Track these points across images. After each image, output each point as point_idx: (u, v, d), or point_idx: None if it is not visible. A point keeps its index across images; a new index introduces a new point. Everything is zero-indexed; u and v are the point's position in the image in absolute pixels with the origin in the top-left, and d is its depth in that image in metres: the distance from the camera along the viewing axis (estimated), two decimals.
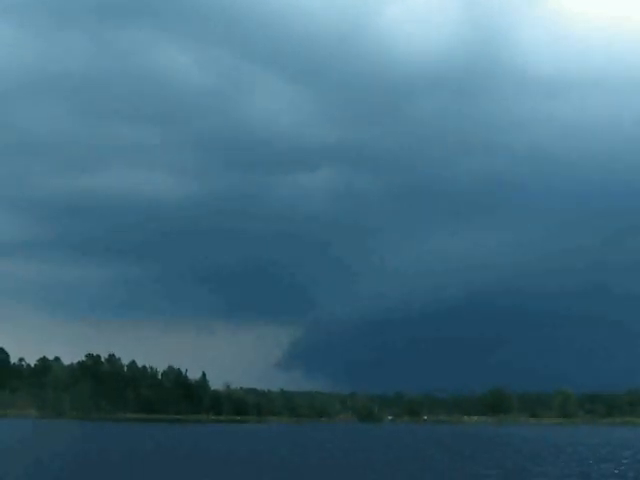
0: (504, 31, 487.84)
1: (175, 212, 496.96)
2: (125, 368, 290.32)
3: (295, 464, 72.37)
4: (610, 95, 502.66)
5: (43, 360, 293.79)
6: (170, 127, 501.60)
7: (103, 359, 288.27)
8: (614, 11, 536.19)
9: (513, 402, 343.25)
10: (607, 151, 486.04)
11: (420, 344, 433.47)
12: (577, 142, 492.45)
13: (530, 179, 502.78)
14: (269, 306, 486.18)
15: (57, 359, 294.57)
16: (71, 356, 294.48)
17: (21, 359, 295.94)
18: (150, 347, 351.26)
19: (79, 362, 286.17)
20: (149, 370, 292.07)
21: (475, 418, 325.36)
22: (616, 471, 67.66)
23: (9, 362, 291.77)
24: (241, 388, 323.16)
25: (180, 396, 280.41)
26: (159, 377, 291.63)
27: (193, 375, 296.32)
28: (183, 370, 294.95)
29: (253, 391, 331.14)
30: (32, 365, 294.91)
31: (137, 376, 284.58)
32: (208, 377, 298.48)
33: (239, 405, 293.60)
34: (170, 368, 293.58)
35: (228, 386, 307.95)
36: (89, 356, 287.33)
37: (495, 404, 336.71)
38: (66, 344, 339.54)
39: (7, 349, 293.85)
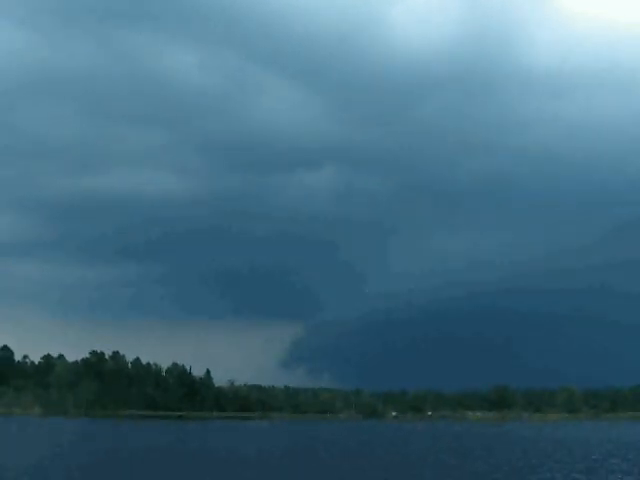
0: (508, 31, 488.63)
1: (180, 213, 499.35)
2: (129, 365, 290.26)
3: (299, 461, 72.27)
4: (615, 95, 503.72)
5: (47, 358, 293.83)
6: (175, 128, 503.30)
7: (107, 356, 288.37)
8: (613, 11, 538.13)
9: (517, 398, 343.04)
10: (612, 151, 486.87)
11: (424, 342, 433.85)
12: (582, 142, 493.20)
13: (534, 179, 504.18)
14: (274, 305, 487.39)
15: (61, 357, 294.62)
16: (75, 354, 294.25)
17: (25, 357, 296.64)
18: (154, 345, 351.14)
19: (83, 359, 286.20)
20: (153, 367, 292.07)
21: (479, 414, 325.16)
22: (623, 467, 67.43)
23: (13, 360, 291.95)
24: (245, 385, 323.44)
25: (184, 393, 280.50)
26: (163, 374, 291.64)
27: (197, 372, 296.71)
28: (187, 367, 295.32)
29: (257, 388, 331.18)
30: (36, 363, 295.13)
31: (141, 373, 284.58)
32: (212, 374, 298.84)
33: (243, 402, 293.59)
34: (174, 365, 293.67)
35: (232, 383, 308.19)
36: (93, 353, 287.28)
37: (499, 400, 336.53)
38: (70, 342, 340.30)
39: (11, 347, 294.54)
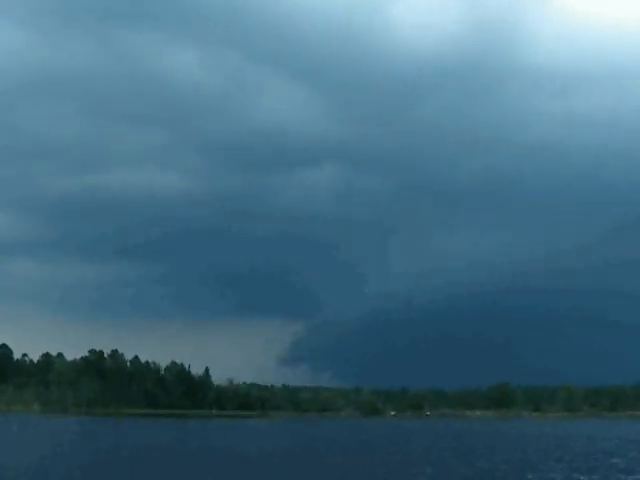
0: (508, 30, 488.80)
1: (180, 213, 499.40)
2: (128, 364, 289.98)
3: (299, 459, 72.08)
4: (618, 93, 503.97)
5: (46, 356, 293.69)
6: (175, 128, 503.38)
7: (106, 355, 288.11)
8: (616, 10, 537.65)
9: (517, 397, 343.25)
10: (614, 149, 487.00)
11: (424, 341, 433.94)
12: (584, 141, 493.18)
13: (535, 178, 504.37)
14: (274, 303, 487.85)
15: (60, 355, 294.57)
16: (74, 353, 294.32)
17: (24, 355, 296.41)
18: (153, 344, 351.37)
19: (82, 358, 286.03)
20: (152, 366, 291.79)
21: (479, 413, 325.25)
22: (624, 465, 67.22)
23: (13, 358, 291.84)
24: (244, 383, 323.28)
25: (183, 392, 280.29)
26: (162, 372, 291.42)
27: (196, 370, 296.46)
28: (186, 365, 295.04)
29: (257, 386, 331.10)
30: (35, 361, 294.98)
31: (140, 371, 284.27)
32: (211, 372, 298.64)
33: (242, 400, 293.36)
34: (173, 363, 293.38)
35: (231, 381, 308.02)
36: (92, 352, 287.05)
37: (499, 398, 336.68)
38: (69, 341, 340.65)
39: (10, 345, 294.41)
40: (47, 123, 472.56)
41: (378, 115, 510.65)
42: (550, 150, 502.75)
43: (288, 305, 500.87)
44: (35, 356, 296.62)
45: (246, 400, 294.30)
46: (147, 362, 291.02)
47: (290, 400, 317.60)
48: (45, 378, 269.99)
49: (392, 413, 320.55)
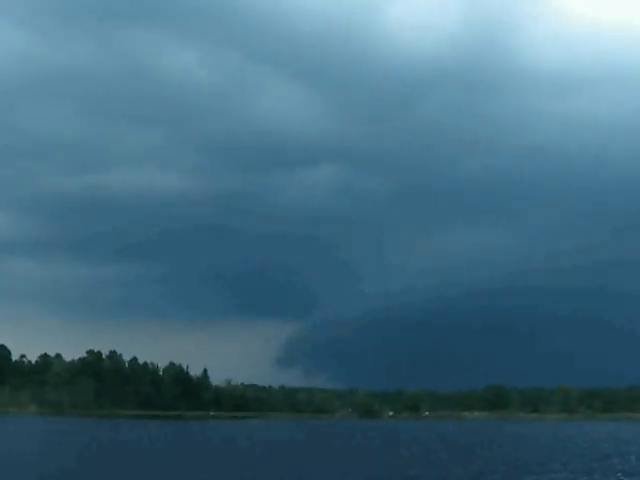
0: (508, 29, 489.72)
1: (179, 212, 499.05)
2: (126, 365, 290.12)
3: (298, 460, 72.41)
4: (617, 93, 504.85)
5: (44, 357, 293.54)
6: (175, 128, 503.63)
7: (104, 356, 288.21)
8: (615, 11, 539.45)
9: (513, 398, 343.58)
10: (612, 150, 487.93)
11: (420, 342, 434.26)
12: (583, 141, 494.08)
13: (535, 178, 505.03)
14: (271, 304, 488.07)
15: (58, 356, 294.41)
16: (72, 354, 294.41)
17: (22, 356, 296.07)
18: (151, 344, 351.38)
19: (80, 359, 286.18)
20: (150, 367, 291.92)
21: (476, 414, 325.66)
22: (622, 467, 67.60)
23: (10, 359, 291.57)
24: (242, 384, 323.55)
25: (181, 392, 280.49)
26: (160, 374, 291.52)
27: (194, 371, 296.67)
28: (184, 367, 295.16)
29: (254, 387, 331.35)
30: (33, 362, 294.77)
31: (138, 373, 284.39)
32: (209, 373, 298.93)
33: (240, 401, 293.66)
34: (171, 365, 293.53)
35: (229, 382, 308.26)
36: (90, 353, 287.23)
37: (496, 400, 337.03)
38: (67, 342, 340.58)
39: (8, 346, 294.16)
40: (47, 123, 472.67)
41: (377, 115, 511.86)
42: (549, 150, 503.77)
43: (285, 305, 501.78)
44: (33, 357, 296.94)
45: (243, 401, 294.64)
46: (145, 363, 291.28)
47: (287, 401, 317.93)
48: (42, 379, 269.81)
49: (389, 414, 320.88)
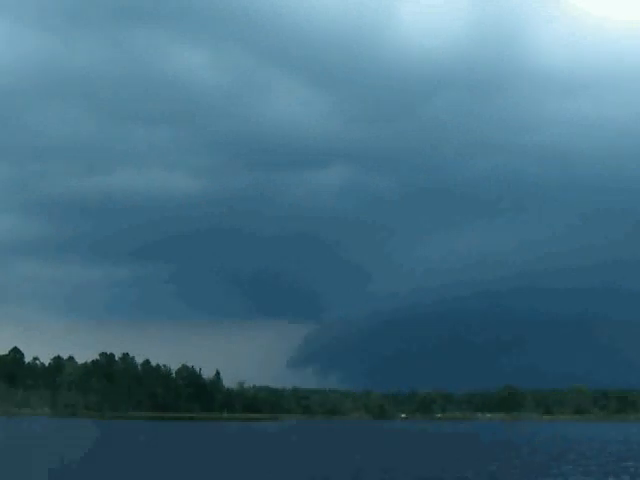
0: (517, 29, 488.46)
1: (190, 213, 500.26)
2: (139, 367, 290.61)
3: (309, 462, 72.27)
4: (626, 94, 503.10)
5: (57, 359, 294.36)
6: (185, 128, 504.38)
7: (117, 358, 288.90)
8: (626, 12, 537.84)
9: (526, 399, 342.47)
10: (623, 150, 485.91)
11: (433, 342, 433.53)
12: (592, 141, 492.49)
13: (544, 178, 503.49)
14: (283, 305, 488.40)
15: (71, 358, 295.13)
16: (85, 356, 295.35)
17: (35, 358, 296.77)
18: (164, 346, 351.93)
19: (93, 361, 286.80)
20: (163, 369, 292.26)
21: (489, 415, 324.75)
22: (635, 470, 67.13)
23: (23, 361, 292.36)
24: (254, 386, 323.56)
25: (193, 394, 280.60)
26: (173, 376, 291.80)
27: (207, 374, 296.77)
28: (197, 369, 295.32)
29: (266, 389, 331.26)
30: (46, 364, 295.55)
31: (151, 375, 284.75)
32: (222, 375, 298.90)
33: (252, 403, 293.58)
34: (184, 367, 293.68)
35: (242, 384, 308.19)
36: (103, 355, 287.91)
37: (508, 401, 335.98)
38: (79, 344, 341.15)
39: (21, 349, 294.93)
40: (57, 124, 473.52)
41: (386, 116, 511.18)
42: (558, 151, 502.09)
43: (297, 307, 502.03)
44: (46, 359, 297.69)
45: (256, 403, 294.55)
46: (158, 365, 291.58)
47: (299, 403, 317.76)
48: (55, 381, 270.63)
49: (402, 416, 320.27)
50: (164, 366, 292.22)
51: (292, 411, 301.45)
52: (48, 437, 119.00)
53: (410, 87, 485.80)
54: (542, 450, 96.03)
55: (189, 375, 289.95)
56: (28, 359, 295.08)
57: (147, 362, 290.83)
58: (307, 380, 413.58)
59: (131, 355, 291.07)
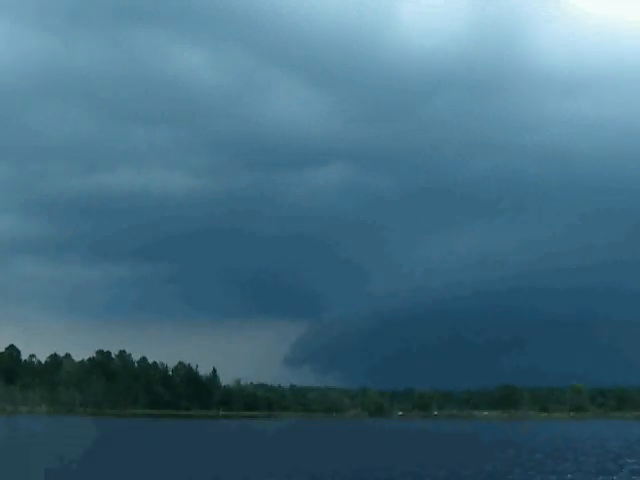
0: (517, 29, 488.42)
1: (188, 212, 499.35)
2: (136, 364, 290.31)
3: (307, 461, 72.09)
4: (627, 93, 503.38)
5: (54, 357, 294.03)
6: (185, 128, 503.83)
7: (114, 355, 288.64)
8: (627, 12, 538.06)
9: (524, 397, 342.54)
10: (623, 150, 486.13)
11: (430, 340, 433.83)
12: (592, 141, 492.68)
13: (544, 178, 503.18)
14: (280, 303, 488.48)
15: (68, 356, 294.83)
16: (82, 353, 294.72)
17: (32, 356, 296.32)
18: (160, 345, 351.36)
19: (90, 359, 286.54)
20: (160, 366, 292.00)
21: (486, 413, 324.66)
22: (634, 467, 67.05)
23: (20, 359, 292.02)
24: (251, 384, 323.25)
25: (191, 392, 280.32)
26: (170, 373, 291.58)
27: (204, 371, 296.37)
28: (194, 366, 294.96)
29: (263, 387, 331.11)
30: (43, 362, 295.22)
31: (148, 372, 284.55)
32: (219, 373, 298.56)
33: (250, 401, 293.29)
34: (181, 364, 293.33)
35: (239, 382, 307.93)
36: (100, 352, 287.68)
37: (506, 399, 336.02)
38: (78, 342, 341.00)
39: (18, 346, 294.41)
40: (58, 124, 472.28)
41: (385, 115, 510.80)
42: (558, 151, 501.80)
43: (295, 305, 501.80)
44: (43, 357, 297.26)
45: (253, 401, 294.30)
46: (155, 363, 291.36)
47: (297, 401, 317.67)
48: (53, 379, 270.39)
49: (399, 413, 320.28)
50: (161, 364, 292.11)
51: (290, 409, 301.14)
52: (47, 435, 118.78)
53: (410, 87, 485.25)
54: (541, 448, 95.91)
55: (186, 373, 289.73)
56: (25, 357, 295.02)
57: (144, 359, 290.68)
58: (305, 378, 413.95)
59: (128, 352, 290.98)
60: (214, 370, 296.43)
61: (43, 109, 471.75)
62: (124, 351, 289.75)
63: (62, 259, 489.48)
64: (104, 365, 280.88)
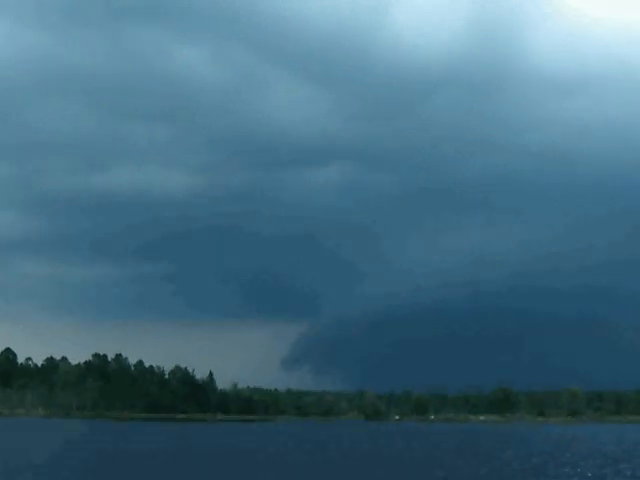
0: (516, 29, 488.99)
1: (185, 212, 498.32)
2: (132, 367, 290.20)
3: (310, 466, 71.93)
4: (625, 95, 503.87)
5: (50, 360, 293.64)
6: (185, 126, 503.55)
7: (110, 358, 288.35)
8: (625, 13, 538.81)
9: (520, 400, 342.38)
10: (622, 150, 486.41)
11: (427, 342, 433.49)
12: (590, 141, 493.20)
13: (542, 178, 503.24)
14: (276, 305, 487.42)
15: (64, 359, 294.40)
16: (78, 356, 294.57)
17: (28, 359, 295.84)
18: (157, 347, 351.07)
19: (86, 362, 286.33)
20: (156, 369, 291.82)
21: (482, 417, 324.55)
22: (631, 472, 66.89)
23: (16, 362, 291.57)
24: (248, 387, 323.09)
25: (187, 395, 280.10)
26: (166, 376, 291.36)
27: (200, 374, 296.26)
28: (190, 369, 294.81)
29: (260, 390, 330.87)
30: (39, 365, 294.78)
31: (144, 375, 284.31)
32: (215, 376, 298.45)
33: (246, 404, 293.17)
34: (177, 367, 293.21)
35: (235, 385, 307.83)
36: (96, 356, 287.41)
37: (503, 402, 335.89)
38: (74, 344, 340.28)
39: (14, 349, 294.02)
40: (56, 121, 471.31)
41: (384, 114, 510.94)
42: (556, 150, 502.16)
43: (292, 307, 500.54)
44: (39, 360, 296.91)
45: (250, 404, 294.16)
46: (151, 366, 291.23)
47: (293, 404, 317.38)
48: (49, 382, 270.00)
49: (396, 417, 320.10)
50: (157, 367, 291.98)
51: (286, 412, 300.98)
52: (42, 438, 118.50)
53: (408, 86, 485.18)
54: (538, 452, 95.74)
55: (183, 376, 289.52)
56: (21, 360, 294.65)
57: (140, 363, 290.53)
58: (301, 381, 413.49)
59: (124, 356, 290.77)
60: (210, 374, 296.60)
61: (43, 106, 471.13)
62: (120, 354, 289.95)
63: (58, 259, 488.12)
64: (100, 368, 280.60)
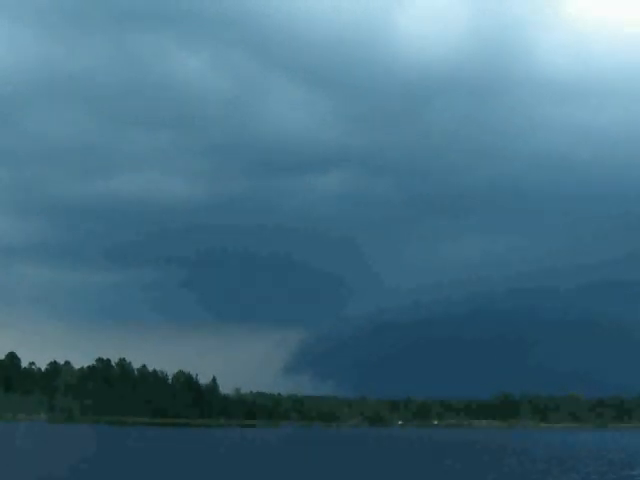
0: (517, 36, 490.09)
1: (186, 217, 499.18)
2: (135, 372, 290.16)
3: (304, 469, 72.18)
4: (626, 100, 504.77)
5: (54, 364, 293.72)
6: (187, 133, 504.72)
7: (113, 363, 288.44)
8: (623, 16, 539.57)
9: (523, 406, 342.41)
10: (621, 156, 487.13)
11: (429, 348, 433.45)
12: (591, 147, 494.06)
13: (543, 184, 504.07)
14: (279, 311, 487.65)
15: (67, 363, 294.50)
16: (82, 360, 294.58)
17: (32, 363, 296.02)
18: (161, 351, 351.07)
19: (89, 366, 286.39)
20: (160, 374, 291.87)
21: (485, 422, 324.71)
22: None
23: (20, 366, 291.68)
24: (251, 392, 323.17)
25: (190, 400, 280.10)
26: (169, 381, 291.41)
27: (203, 379, 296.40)
28: (193, 374, 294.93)
29: (263, 395, 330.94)
30: (42, 369, 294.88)
31: (147, 380, 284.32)
32: (218, 381, 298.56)
33: (249, 409, 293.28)
34: (180, 372, 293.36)
35: (238, 390, 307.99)
36: (99, 360, 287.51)
37: (505, 408, 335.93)
38: (78, 348, 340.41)
39: (18, 353, 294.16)
40: (58, 127, 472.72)
41: (386, 122, 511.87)
42: (558, 158, 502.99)
43: (293, 312, 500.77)
44: (42, 364, 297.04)
45: (252, 409, 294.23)
46: (155, 371, 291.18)
47: (296, 409, 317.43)
48: (52, 386, 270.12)
49: (399, 423, 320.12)
50: (161, 372, 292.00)
51: (289, 417, 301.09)
52: (45, 443, 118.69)
53: (410, 94, 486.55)
54: (541, 458, 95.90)
55: (186, 381, 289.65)
56: (24, 364, 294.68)
57: (144, 367, 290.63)
58: (304, 386, 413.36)
59: (128, 360, 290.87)
60: (214, 379, 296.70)
61: (44, 113, 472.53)
62: (124, 359, 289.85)
63: (61, 264, 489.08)
64: (104, 373, 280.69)
